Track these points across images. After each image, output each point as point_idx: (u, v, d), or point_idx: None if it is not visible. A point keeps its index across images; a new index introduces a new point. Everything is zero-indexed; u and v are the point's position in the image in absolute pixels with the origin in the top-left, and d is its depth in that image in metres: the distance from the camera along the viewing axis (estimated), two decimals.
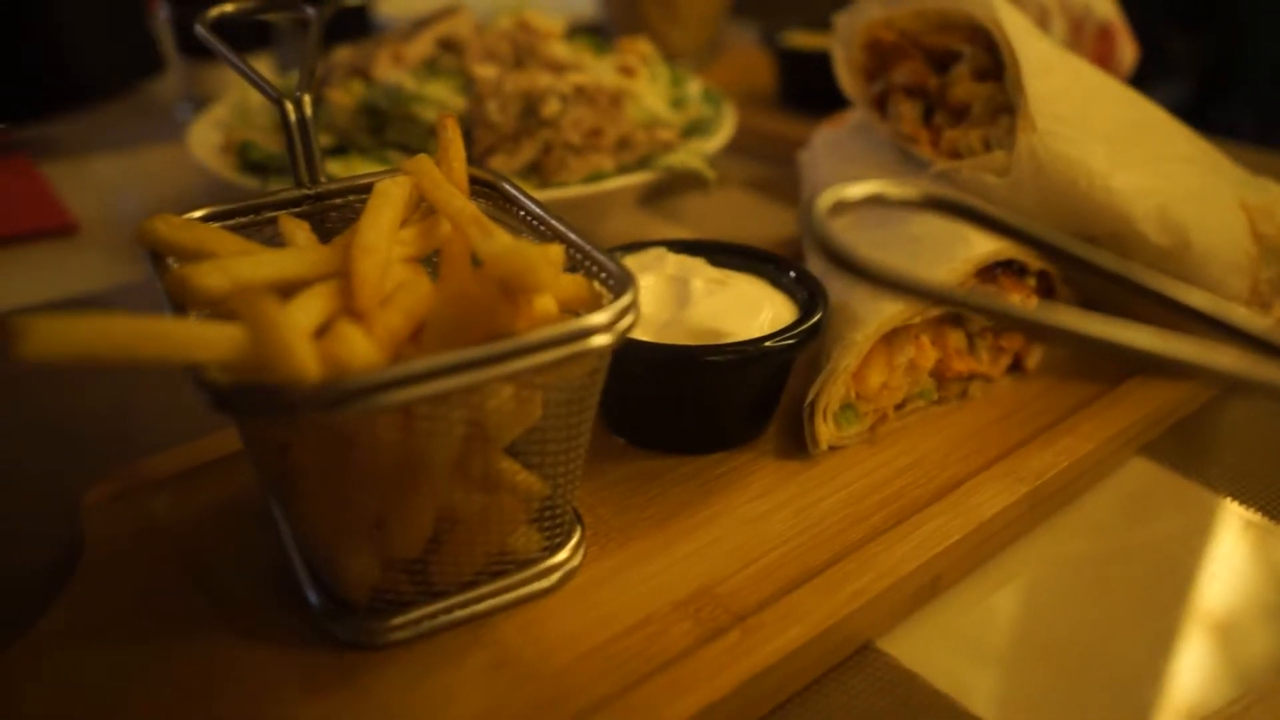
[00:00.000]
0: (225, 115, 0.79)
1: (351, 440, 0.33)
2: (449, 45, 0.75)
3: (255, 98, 0.79)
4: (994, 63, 0.58)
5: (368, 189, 0.44)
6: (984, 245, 0.52)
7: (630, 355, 0.45)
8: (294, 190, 0.45)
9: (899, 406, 0.51)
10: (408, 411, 0.33)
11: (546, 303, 0.36)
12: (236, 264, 0.36)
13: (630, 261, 0.52)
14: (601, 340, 0.34)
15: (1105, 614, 0.43)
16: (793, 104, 1.01)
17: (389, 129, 0.71)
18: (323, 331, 0.33)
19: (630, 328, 0.35)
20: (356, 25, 1.11)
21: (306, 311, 0.33)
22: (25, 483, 0.51)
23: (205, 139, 0.75)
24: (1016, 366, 0.56)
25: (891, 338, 0.51)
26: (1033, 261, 0.54)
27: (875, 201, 0.31)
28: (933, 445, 0.50)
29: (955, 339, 0.53)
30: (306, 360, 0.30)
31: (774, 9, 1.27)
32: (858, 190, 0.31)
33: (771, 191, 0.85)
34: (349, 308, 0.34)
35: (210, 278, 0.35)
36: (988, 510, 0.45)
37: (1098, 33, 0.79)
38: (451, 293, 0.34)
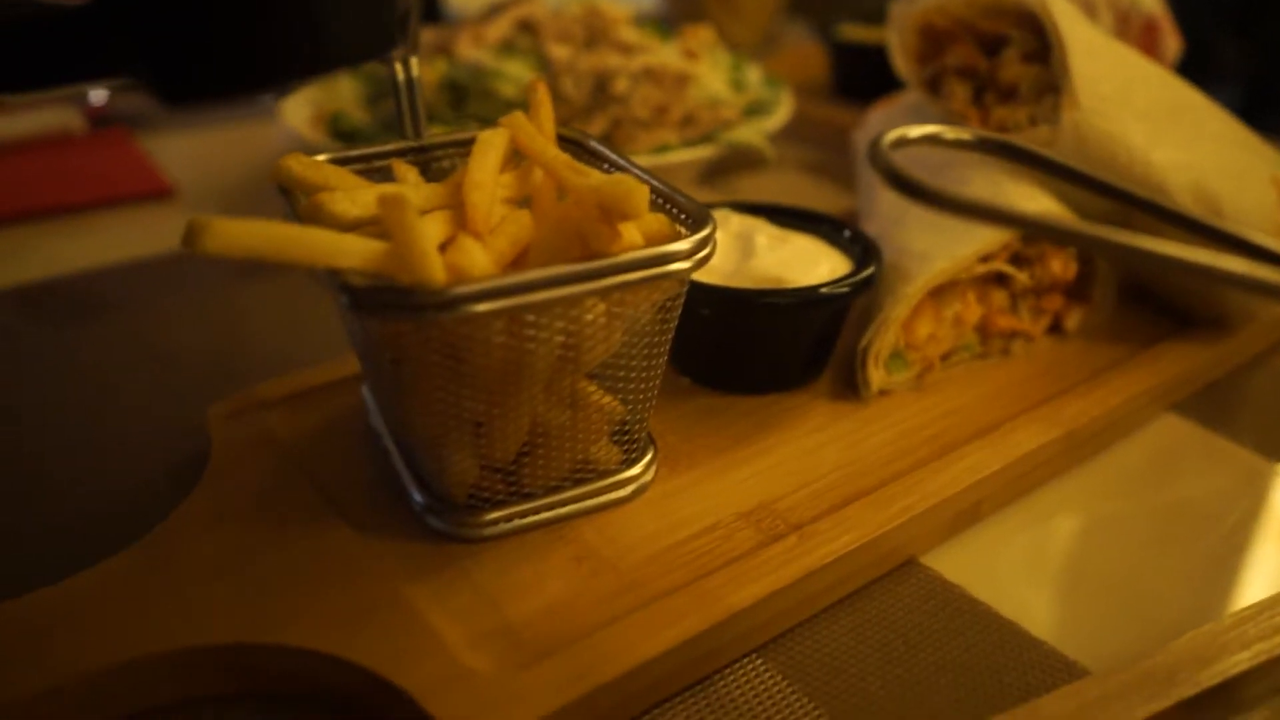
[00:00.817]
0: (315, 91, 0.85)
1: (463, 346, 0.38)
2: (526, 27, 0.81)
3: (343, 74, 0.85)
4: (1041, 46, 0.62)
5: (467, 143, 0.49)
6: (1030, 209, 0.55)
7: (698, 297, 0.50)
8: (402, 143, 0.50)
9: (944, 357, 0.55)
10: (514, 319, 0.37)
11: (634, 234, 0.40)
12: (363, 194, 0.41)
13: None
14: (682, 265, 0.39)
15: (1135, 544, 0.47)
16: (845, 94, 1.05)
17: (469, 103, 0.76)
18: (445, 246, 0.38)
19: (708, 257, 0.40)
20: (428, 14, 1.17)
21: (434, 227, 0.37)
22: (150, 406, 0.56)
23: (297, 112, 0.81)
24: (1056, 327, 0.59)
25: (939, 293, 0.55)
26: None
27: (933, 141, 0.36)
28: (975, 394, 0.54)
29: (999, 298, 0.57)
30: (436, 266, 0.35)
31: (826, 6, 1.31)
32: (918, 131, 0.35)
33: (825, 174, 0.90)
34: (464, 230, 0.39)
35: (341, 204, 0.40)
36: (1024, 447, 0.49)
37: (1143, 26, 0.82)
38: (555, 217, 0.38)
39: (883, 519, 0.44)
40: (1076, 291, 0.59)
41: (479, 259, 0.36)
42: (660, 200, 0.45)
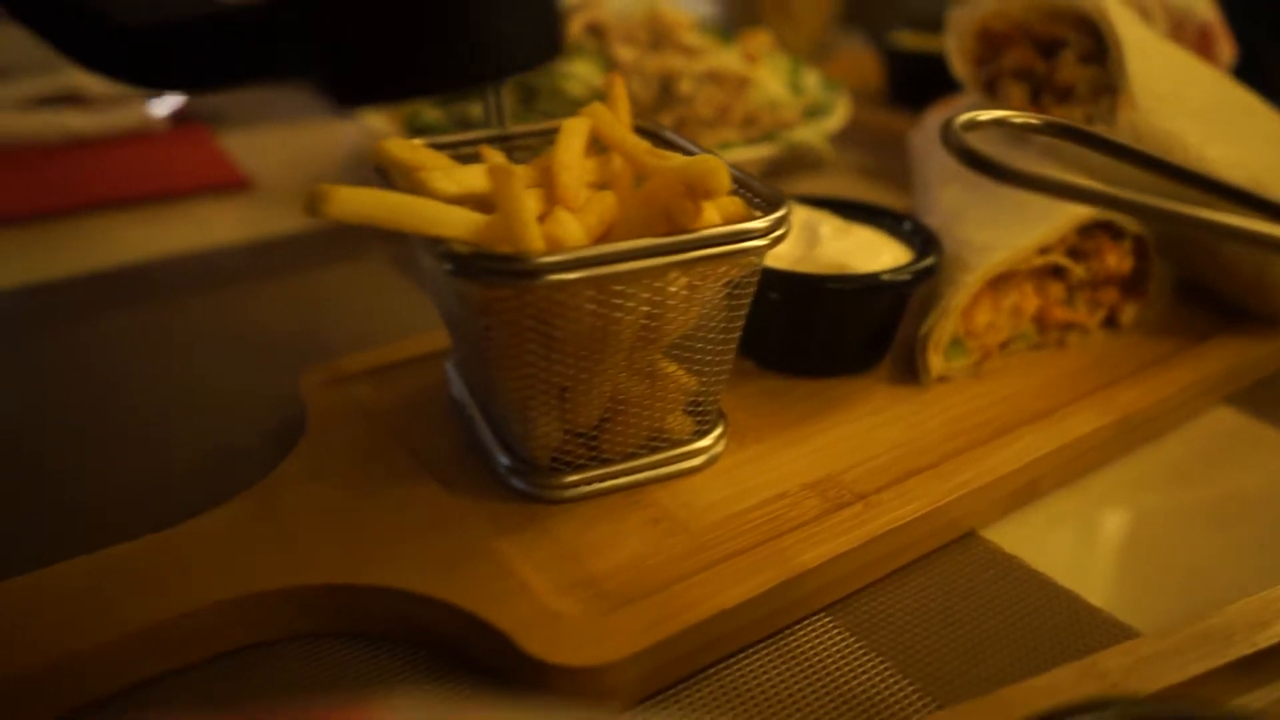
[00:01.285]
0: None
1: (554, 313, 0.41)
2: (593, 30, 0.84)
3: None
4: (1097, 48, 0.64)
5: (547, 133, 0.52)
6: (1085, 208, 0.57)
7: (766, 281, 0.52)
8: (487, 132, 0.53)
9: (1002, 346, 0.57)
10: (603, 288, 0.40)
11: (714, 214, 0.43)
12: (460, 173, 0.44)
13: None
14: (759, 242, 0.41)
15: (1189, 524, 0.49)
16: (899, 101, 1.07)
17: (539, 101, 0.79)
18: (540, 220, 0.40)
19: (783, 236, 0.42)
20: None
21: (531, 201, 0.40)
22: (242, 378, 0.60)
23: (374, 118, 0.84)
24: (1111, 321, 0.61)
25: (998, 284, 0.56)
26: (1130, 225, 0.59)
27: (1001, 125, 0.38)
28: (1031, 381, 0.56)
29: (1056, 290, 0.58)
30: (536, 235, 0.38)
31: (880, 15, 1.33)
32: (987, 115, 0.37)
33: (881, 177, 0.92)
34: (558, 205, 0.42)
35: (441, 182, 0.43)
36: (1078, 431, 0.51)
37: (1197, 33, 0.83)
38: (641, 194, 0.41)
39: (943, 491, 0.46)
40: (1132, 286, 0.61)
41: (574, 230, 0.39)
42: (736, 186, 0.47)
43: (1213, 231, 0.32)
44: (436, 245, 0.39)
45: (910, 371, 0.56)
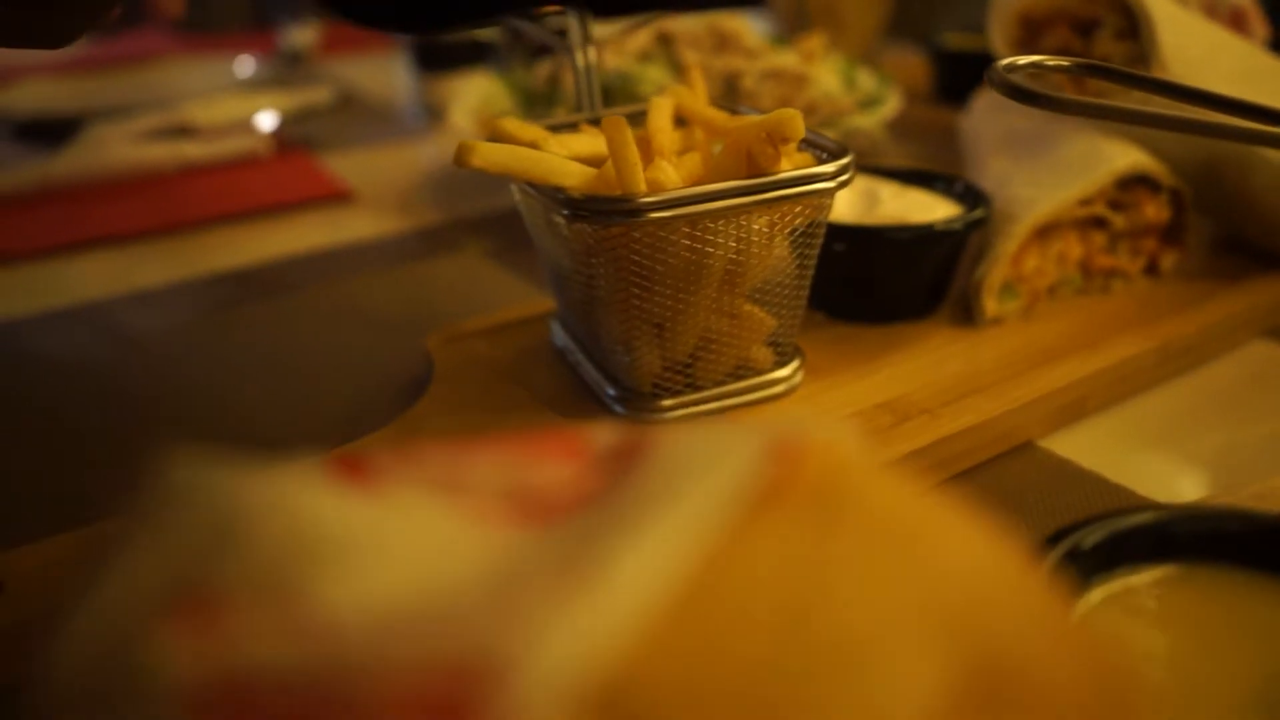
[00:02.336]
0: (472, 102, 0.97)
1: (655, 250, 0.47)
2: (663, 39, 0.91)
3: (496, 89, 0.97)
4: (1131, 25, 0.70)
5: (636, 114, 0.59)
6: (1123, 160, 0.63)
7: (832, 234, 0.58)
8: (583, 115, 0.61)
9: (1050, 290, 0.63)
10: (695, 224, 0.47)
11: (788, 164, 0.50)
12: (569, 139, 0.51)
13: None
14: (828, 184, 0.48)
15: (1231, 433, 0.54)
16: (947, 99, 1.13)
17: (613, 103, 0.87)
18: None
19: (848, 181, 0.49)
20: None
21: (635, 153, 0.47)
22: (367, 349, 0.67)
23: (464, 118, 0.93)
24: (1152, 269, 0.66)
25: (1045, 234, 0.62)
26: (1165, 179, 0.64)
27: (1037, 67, 0.44)
28: (1077, 321, 0.61)
29: (1099, 239, 0.64)
30: (641, 179, 0.45)
31: (926, 25, 1.40)
32: (1025, 59, 0.44)
33: (932, 164, 0.97)
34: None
35: (554, 147, 0.50)
36: (1121, 354, 0.56)
37: (1230, 15, 0.89)
38: (728, 142, 0.48)
39: (998, 405, 0.52)
40: (1171, 236, 0.66)
41: (672, 175, 0.46)
42: (806, 143, 0.54)
43: (1226, 134, 0.38)
44: (557, 194, 0.46)
45: (967, 316, 0.62)
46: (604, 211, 0.45)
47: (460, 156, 0.44)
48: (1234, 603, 0.31)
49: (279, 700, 0.13)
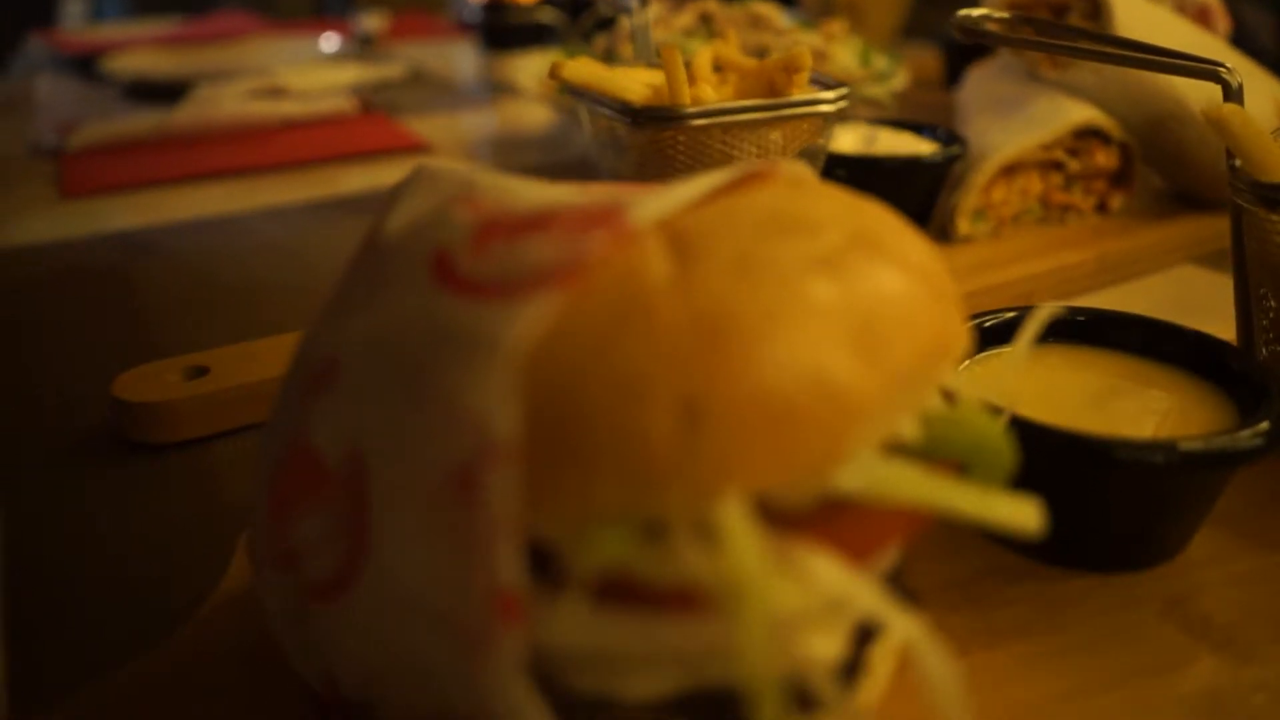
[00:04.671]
0: (537, 72, 1.13)
1: (698, 151, 0.62)
2: (704, 19, 1.06)
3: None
4: (1094, 9, 0.84)
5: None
6: (1079, 114, 0.77)
7: (835, 162, 0.73)
8: (638, 63, 0.76)
9: (1015, 218, 0.77)
10: (728, 131, 0.61)
11: (798, 93, 0.64)
12: (630, 71, 0.66)
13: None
14: (829, 107, 0.62)
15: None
16: (954, 83, 1.27)
17: None
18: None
19: (845, 108, 0.63)
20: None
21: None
22: None
23: (529, 85, 1.08)
24: (1103, 208, 0.80)
25: (1011, 171, 0.76)
26: (1115, 132, 0.78)
27: (986, 18, 0.59)
28: (1035, 241, 0.75)
29: (1057, 179, 0.78)
30: (687, 94, 0.59)
31: (941, 28, 1.54)
32: (978, 11, 0.58)
33: None
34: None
35: (619, 75, 0.65)
36: (1067, 260, 0.70)
37: (1196, 11, 1.02)
38: (754, 71, 0.63)
39: (962, 290, 0.66)
40: (1120, 181, 0.80)
41: (711, 93, 0.61)
42: (814, 82, 0.68)
43: (1141, 63, 0.52)
44: (622, 106, 0.61)
45: (944, 236, 0.76)
46: (658, 118, 0.60)
47: (554, 71, 0.59)
48: (1079, 357, 0.45)
49: (511, 221, 0.28)
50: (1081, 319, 0.46)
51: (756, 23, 1.05)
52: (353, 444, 0.27)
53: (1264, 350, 0.49)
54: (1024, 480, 0.30)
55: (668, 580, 0.24)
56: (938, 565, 0.40)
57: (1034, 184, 0.77)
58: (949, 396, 0.31)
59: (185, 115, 1.20)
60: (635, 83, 0.62)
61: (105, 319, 0.72)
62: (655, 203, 0.28)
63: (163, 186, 1.01)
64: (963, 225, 0.75)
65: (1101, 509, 0.39)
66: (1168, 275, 0.75)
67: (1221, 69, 0.50)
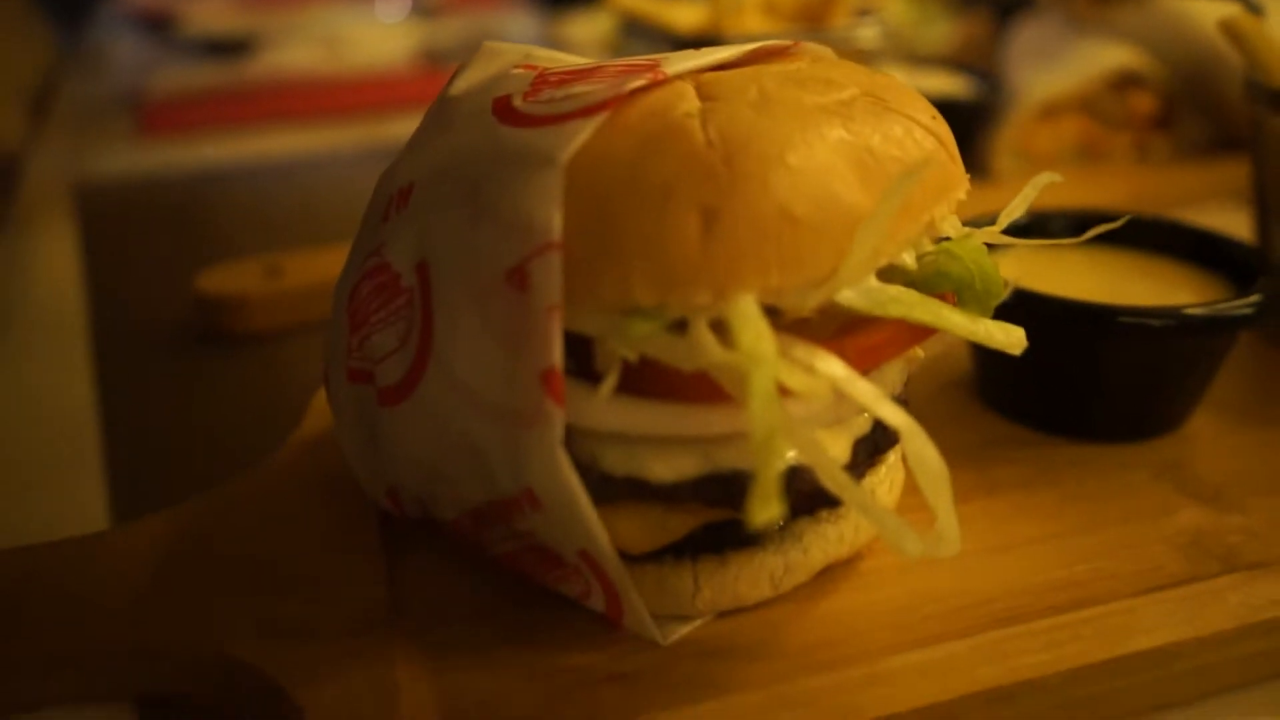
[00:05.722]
0: (593, 27, 1.17)
1: None
2: None
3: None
4: None
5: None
6: (1114, 59, 0.79)
7: None
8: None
9: (1054, 160, 0.79)
10: None
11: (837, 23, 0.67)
12: (678, 5, 0.69)
13: None
14: (869, 40, 0.66)
15: None
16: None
17: None
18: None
19: (885, 46, 0.66)
20: None
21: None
22: None
23: (586, 40, 1.12)
24: (1143, 151, 0.82)
25: (1050, 113, 0.78)
26: (1153, 76, 0.80)
27: None
28: (1073, 179, 0.77)
29: (1095, 122, 0.80)
30: (730, 24, 0.63)
31: None
32: None
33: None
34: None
35: (669, 9, 0.68)
36: (1102, 200, 0.72)
37: None
38: (797, 4, 0.66)
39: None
40: (1160, 125, 0.82)
41: (756, 26, 0.64)
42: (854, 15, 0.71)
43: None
44: (668, 35, 0.65)
45: (984, 174, 0.78)
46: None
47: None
48: (1095, 254, 0.48)
49: (562, 73, 0.32)
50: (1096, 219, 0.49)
51: None
52: (421, 255, 0.31)
53: None
54: (1029, 350, 0.33)
55: (689, 368, 0.28)
56: (945, 434, 0.43)
57: (1073, 126, 0.79)
58: (947, 233, 0.35)
59: (255, 67, 1.26)
60: (683, 14, 0.65)
61: (183, 237, 0.78)
62: (689, 59, 0.32)
63: (232, 130, 1.07)
64: (1002, 161, 0.77)
65: (1104, 377, 0.42)
66: (1206, 212, 0.77)
67: None
